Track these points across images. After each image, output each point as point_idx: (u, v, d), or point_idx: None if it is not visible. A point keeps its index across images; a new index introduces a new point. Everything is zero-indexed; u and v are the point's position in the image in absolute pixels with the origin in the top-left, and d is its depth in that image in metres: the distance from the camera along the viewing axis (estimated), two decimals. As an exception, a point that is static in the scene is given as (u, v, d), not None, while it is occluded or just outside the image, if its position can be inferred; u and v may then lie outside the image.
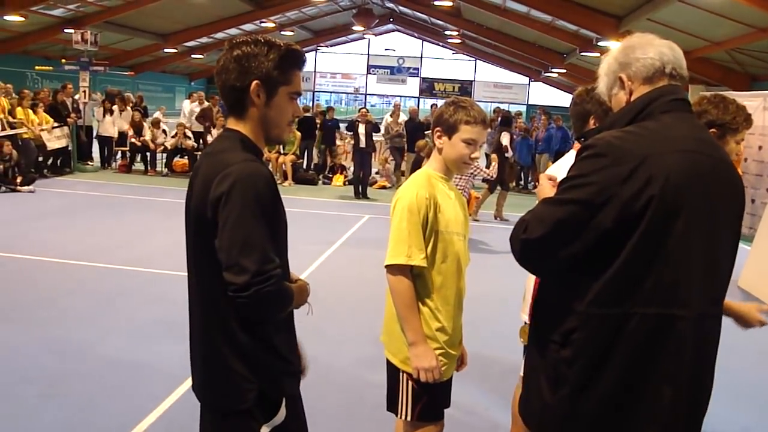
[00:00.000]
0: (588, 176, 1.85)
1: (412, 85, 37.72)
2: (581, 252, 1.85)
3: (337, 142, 16.91)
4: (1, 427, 3.74)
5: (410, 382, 2.69)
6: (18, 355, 4.77)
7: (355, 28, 30.05)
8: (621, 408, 1.87)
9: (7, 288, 6.32)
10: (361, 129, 13.46)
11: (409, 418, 2.73)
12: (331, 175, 16.00)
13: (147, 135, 15.52)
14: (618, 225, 1.80)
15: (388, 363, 2.78)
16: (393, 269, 2.64)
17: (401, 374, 2.72)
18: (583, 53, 22.96)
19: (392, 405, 2.77)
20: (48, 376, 4.43)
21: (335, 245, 8.95)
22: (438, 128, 2.77)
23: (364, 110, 14.40)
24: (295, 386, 2.15)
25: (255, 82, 2.00)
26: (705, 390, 1.97)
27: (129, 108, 16.28)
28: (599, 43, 19.90)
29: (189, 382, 4.33)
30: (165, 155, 15.74)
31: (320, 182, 15.71)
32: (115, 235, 8.90)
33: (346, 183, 15.46)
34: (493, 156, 9.98)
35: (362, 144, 13.51)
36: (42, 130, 13.60)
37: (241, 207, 1.87)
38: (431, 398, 2.71)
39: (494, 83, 36.95)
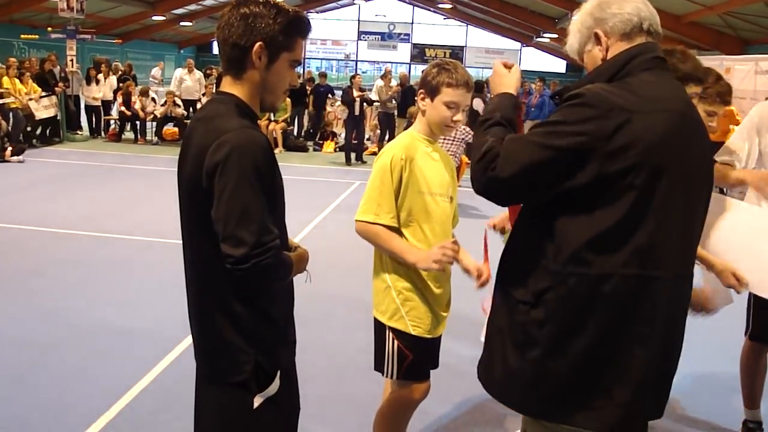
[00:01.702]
0: (572, 125, 1.77)
1: (403, 51, 37.47)
2: (545, 199, 1.83)
3: (328, 108, 16.83)
4: (-6, 393, 3.79)
5: (396, 342, 2.74)
6: (9, 323, 4.79)
7: (345, -7, 29.73)
8: (592, 370, 1.85)
9: (-3, 257, 6.33)
10: (357, 95, 13.58)
11: (394, 377, 2.78)
12: (321, 142, 15.94)
13: (137, 104, 15.39)
14: (594, 181, 1.76)
15: (376, 322, 2.82)
16: (360, 224, 2.72)
17: (387, 334, 2.76)
18: (574, 17, 22.81)
19: (379, 365, 2.82)
20: (39, 343, 4.46)
21: (326, 211, 8.95)
22: (422, 90, 2.78)
23: (358, 78, 14.47)
24: (290, 356, 2.14)
25: (259, 43, 1.93)
26: (676, 349, 1.97)
27: (111, 76, 16.12)
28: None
29: (180, 348, 4.41)
30: (155, 124, 15.63)
31: (311, 149, 15.67)
32: (105, 204, 8.88)
33: (337, 149, 15.43)
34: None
35: (356, 112, 13.59)
36: (30, 99, 13.46)
37: (238, 177, 1.80)
38: (416, 357, 2.75)
39: (486, 49, 36.73)
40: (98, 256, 6.51)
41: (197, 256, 2.01)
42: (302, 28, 2.01)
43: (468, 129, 8.50)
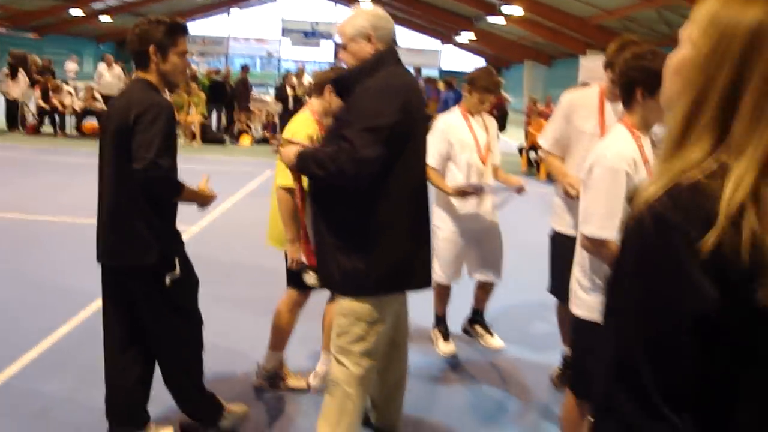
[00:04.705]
0: (384, 109, 2.77)
1: (327, 49, 37.97)
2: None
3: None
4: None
5: (287, 259, 3.65)
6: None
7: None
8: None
9: None
10: (290, 92, 15.09)
11: (287, 285, 3.81)
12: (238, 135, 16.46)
13: (55, 99, 15.51)
14: (399, 136, 2.78)
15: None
16: (280, 189, 3.50)
17: (284, 254, 3.67)
18: (488, 18, 23.80)
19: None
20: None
21: (240, 194, 9.56)
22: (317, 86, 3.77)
23: (291, 76, 15.91)
24: (183, 250, 3.13)
25: (151, 46, 2.95)
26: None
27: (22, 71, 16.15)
28: (502, 9, 20.80)
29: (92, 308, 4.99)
30: (74, 118, 15.81)
31: (228, 142, 16.16)
32: (26, 190, 9.26)
33: (253, 143, 15.98)
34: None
35: (290, 106, 14.87)
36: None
37: (150, 122, 2.80)
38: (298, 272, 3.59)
39: (407, 48, 37.62)
40: (22, 236, 6.99)
41: (119, 174, 2.92)
42: (179, 29, 3.05)
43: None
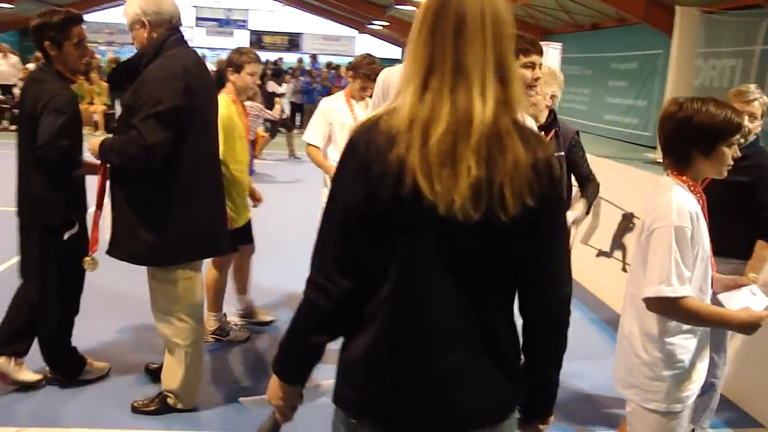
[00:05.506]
0: (164, 95, 2.95)
1: (242, 38, 37.37)
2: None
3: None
4: None
5: None
6: None
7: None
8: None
9: None
10: None
11: None
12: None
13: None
14: (184, 117, 3.03)
15: None
16: None
17: None
18: (398, 6, 24.07)
19: None
20: None
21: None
22: (230, 68, 4.17)
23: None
24: (83, 215, 3.53)
25: (46, 42, 3.26)
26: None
27: None
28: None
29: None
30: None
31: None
32: None
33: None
34: (277, 99, 10.94)
35: None
36: None
37: (53, 109, 3.16)
38: None
39: (323, 36, 37.56)
40: None
41: (29, 153, 3.29)
42: (72, 20, 3.25)
43: (261, 106, 9.36)
